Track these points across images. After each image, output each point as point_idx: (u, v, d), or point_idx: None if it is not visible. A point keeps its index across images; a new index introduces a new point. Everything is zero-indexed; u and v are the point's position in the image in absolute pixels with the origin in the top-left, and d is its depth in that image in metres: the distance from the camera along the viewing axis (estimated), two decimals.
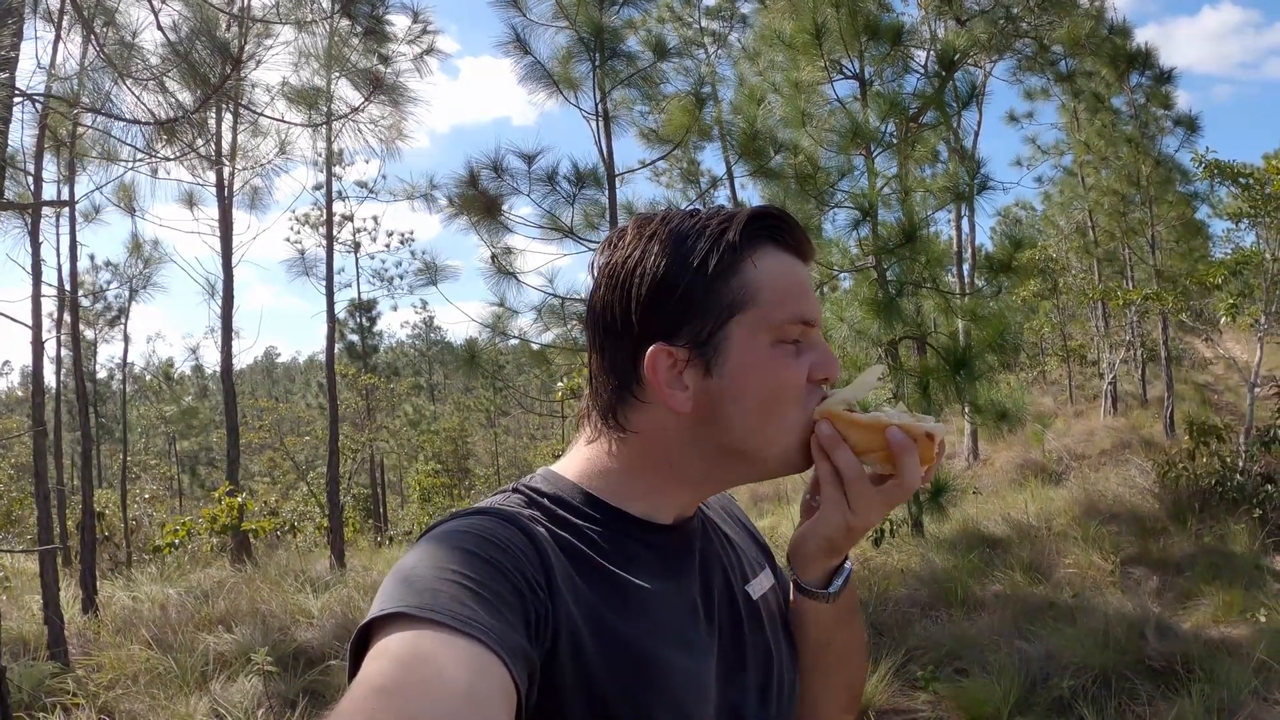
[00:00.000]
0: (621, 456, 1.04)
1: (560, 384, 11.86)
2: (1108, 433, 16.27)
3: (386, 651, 0.74)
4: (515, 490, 1.05)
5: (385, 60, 5.70)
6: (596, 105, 7.69)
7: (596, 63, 7.46)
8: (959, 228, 16.22)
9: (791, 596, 1.18)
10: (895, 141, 10.19)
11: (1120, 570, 7.67)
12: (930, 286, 9.39)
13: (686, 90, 8.11)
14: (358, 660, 0.78)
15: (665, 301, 0.98)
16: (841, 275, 10.37)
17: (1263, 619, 6.26)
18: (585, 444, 1.08)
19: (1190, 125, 16.48)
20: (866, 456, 1.00)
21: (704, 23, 18.68)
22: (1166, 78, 16.51)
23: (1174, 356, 18.14)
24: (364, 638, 0.79)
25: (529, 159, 7.35)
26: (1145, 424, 16.59)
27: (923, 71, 11.03)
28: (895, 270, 9.21)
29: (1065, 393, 23.98)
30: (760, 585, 1.17)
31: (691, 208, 1.05)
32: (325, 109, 7.13)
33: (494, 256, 7.63)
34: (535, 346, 8.41)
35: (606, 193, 7.84)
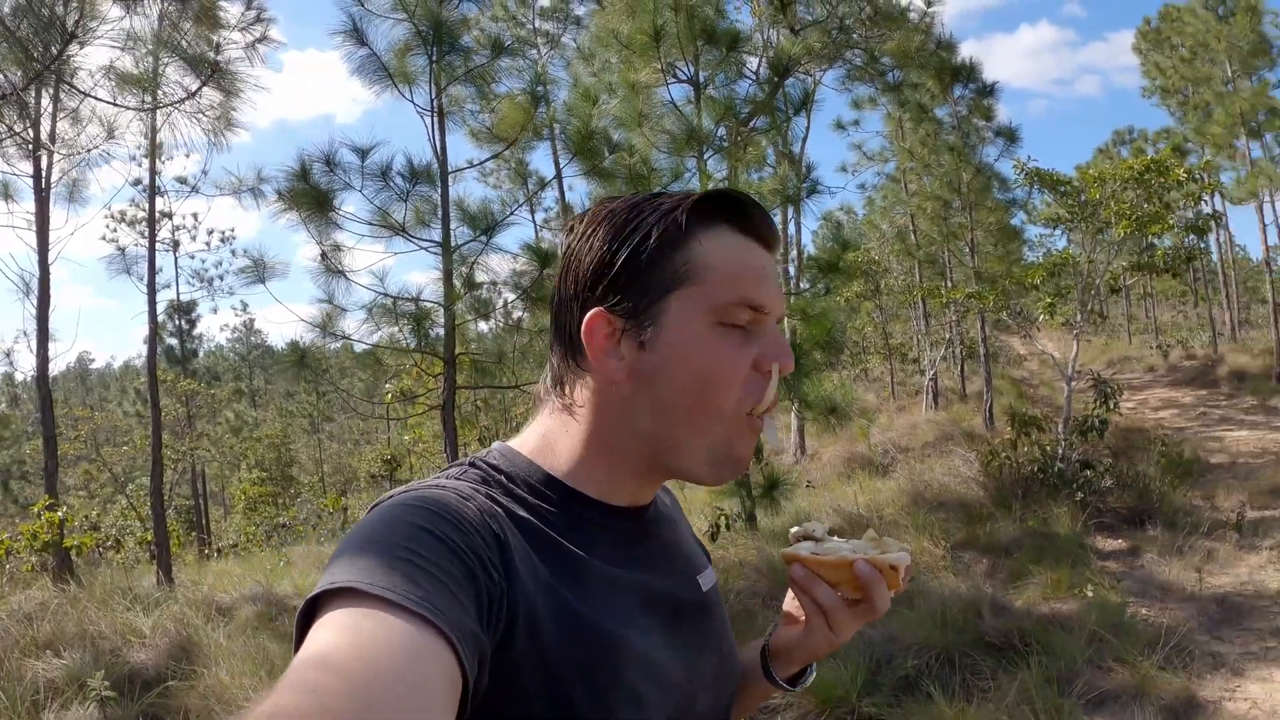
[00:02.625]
0: (573, 433, 1.03)
1: (389, 385, 11.62)
2: (930, 426, 16.94)
3: (333, 626, 0.71)
4: (471, 465, 1.02)
5: (217, 47, 5.43)
6: (432, 101, 7.55)
7: (434, 57, 7.32)
8: (785, 230, 16.66)
9: (747, 676, 1.23)
10: (727, 145, 10.40)
11: (951, 555, 7.99)
12: None
13: (522, 89, 8.05)
14: (303, 632, 0.75)
15: (607, 270, 0.98)
16: None
17: (1090, 594, 6.64)
18: (540, 420, 1.07)
19: (1010, 136, 17.42)
20: (839, 588, 1.07)
21: (538, 23, 18.69)
22: (989, 91, 17.44)
23: (991, 353, 19.07)
24: (311, 609, 0.76)
25: (363, 153, 7.13)
26: (966, 417, 17.34)
27: (754, 78, 11.26)
28: None
29: (887, 389, 24.88)
30: (708, 578, 1.17)
31: (658, 190, 1.05)
32: (153, 95, 6.76)
33: (323, 254, 7.40)
34: (365, 346, 8.18)
35: (440, 190, 7.70)
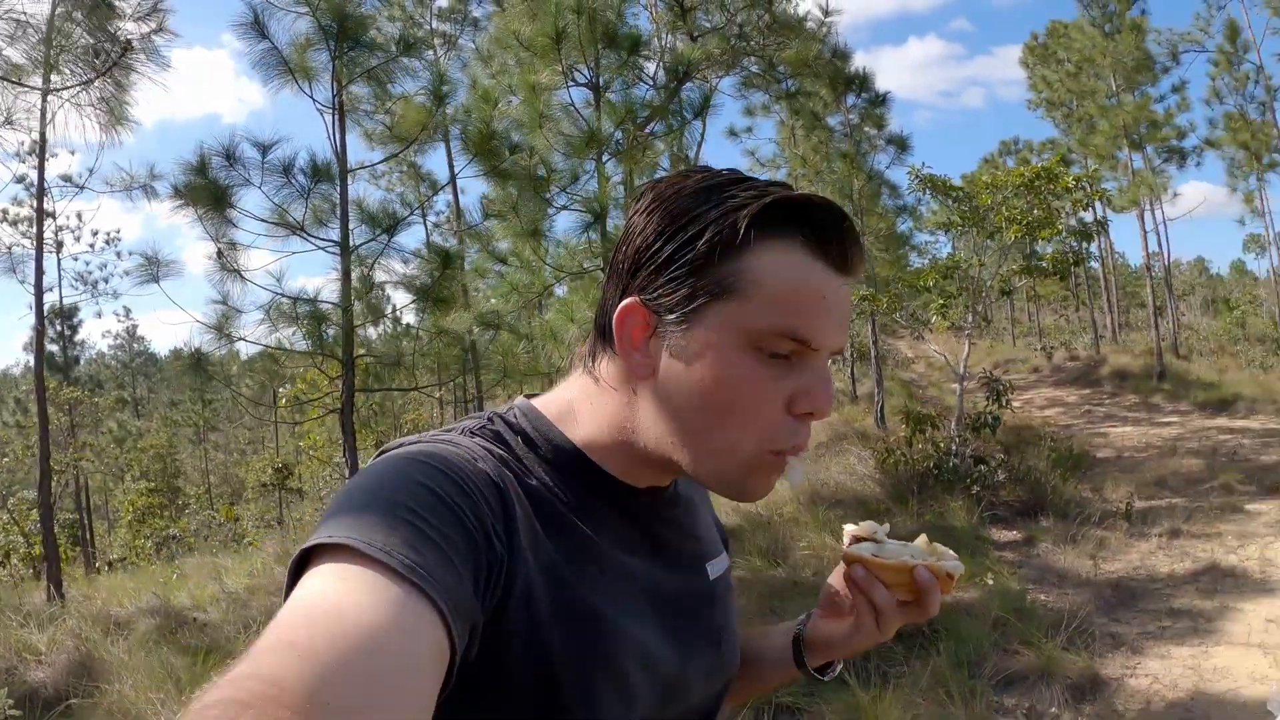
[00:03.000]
0: (596, 406, 0.98)
1: (284, 389, 11.36)
2: (823, 426, 17.15)
3: (324, 583, 0.69)
4: (490, 420, 0.99)
5: (112, 37, 5.26)
6: (334, 97, 7.44)
7: (336, 52, 7.21)
8: None
9: (771, 659, 1.26)
10: (626, 149, 10.47)
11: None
12: None
13: (421, 89, 8.00)
14: (294, 582, 0.73)
15: (653, 260, 0.91)
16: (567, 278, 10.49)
17: (990, 582, 6.91)
18: (570, 382, 1.03)
19: (901, 144, 17.93)
20: (894, 590, 1.08)
21: (435, 24, 18.52)
22: (881, 100, 17.85)
23: (880, 356, 19.53)
24: (304, 560, 0.74)
25: (264, 148, 6.93)
26: (858, 418, 17.67)
27: (651, 83, 11.38)
28: None
29: None
30: (718, 566, 1.14)
31: (742, 174, 0.94)
32: (45, 78, 6.51)
33: (220, 252, 7.22)
34: (260, 349, 8.00)
35: (339, 189, 7.59)
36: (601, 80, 10.12)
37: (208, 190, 6.72)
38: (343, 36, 7.06)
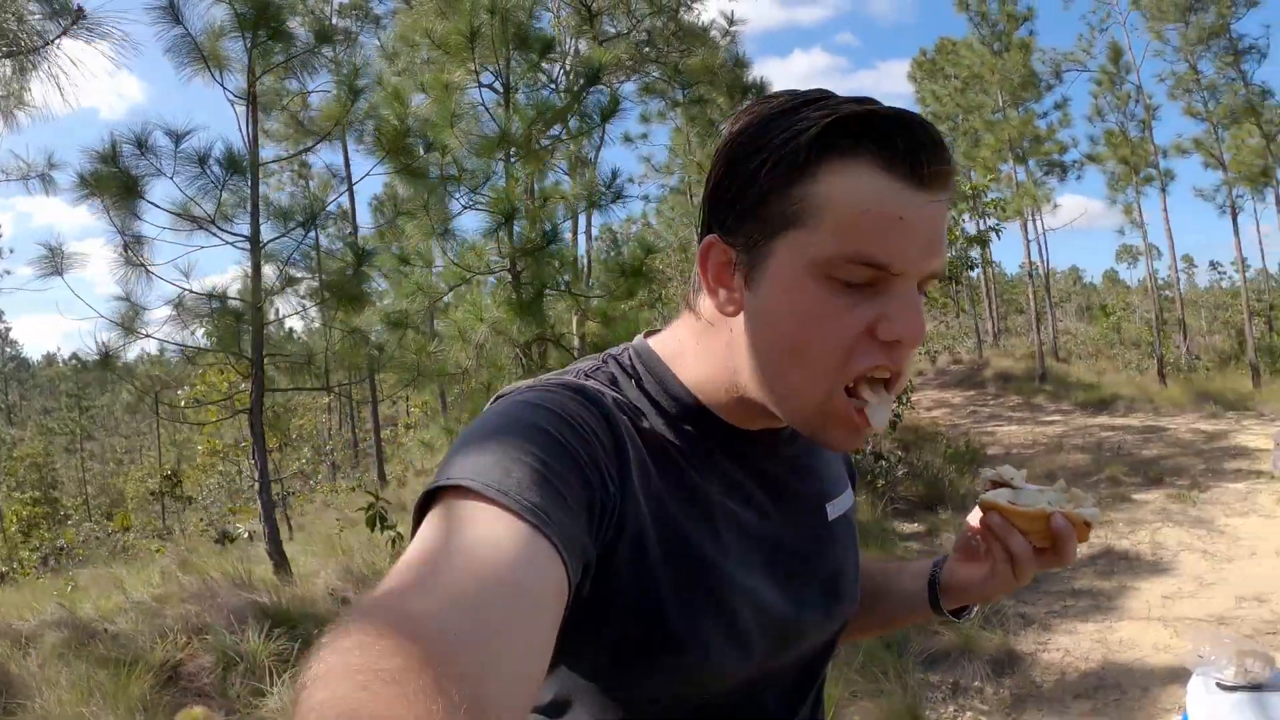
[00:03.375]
0: (702, 346, 0.97)
1: (183, 391, 11.00)
2: None
3: (447, 519, 0.71)
4: (605, 362, 1.00)
5: (19, 18, 5.03)
6: (248, 88, 7.27)
7: (252, 41, 7.03)
8: (576, 236, 16.88)
9: (902, 600, 1.27)
10: (536, 149, 10.48)
11: None
12: (564, 290, 9.68)
13: (330, 81, 7.87)
14: (419, 522, 0.75)
15: (725, 194, 0.89)
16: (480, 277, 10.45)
17: None
18: (680, 323, 1.02)
19: None
20: (1030, 537, 1.07)
21: (336, 20, 18.22)
22: None
23: None
24: (427, 502, 0.76)
25: (178, 137, 6.71)
26: None
27: (554, 86, 11.42)
28: (533, 274, 9.50)
29: None
30: (840, 505, 1.13)
31: (824, 92, 0.87)
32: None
33: (126, 246, 6.98)
34: (173, 347, 7.75)
35: (250, 182, 7.41)
36: (511, 81, 10.12)
37: (118, 179, 6.48)
38: (260, 25, 6.89)
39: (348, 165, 16.40)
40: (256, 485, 7.68)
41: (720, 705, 0.94)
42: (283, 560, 7.51)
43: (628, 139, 22.62)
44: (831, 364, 0.85)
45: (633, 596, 0.85)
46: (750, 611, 0.93)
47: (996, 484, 1.11)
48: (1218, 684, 4.22)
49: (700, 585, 0.89)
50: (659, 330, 1.06)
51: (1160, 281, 26.53)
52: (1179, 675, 5.36)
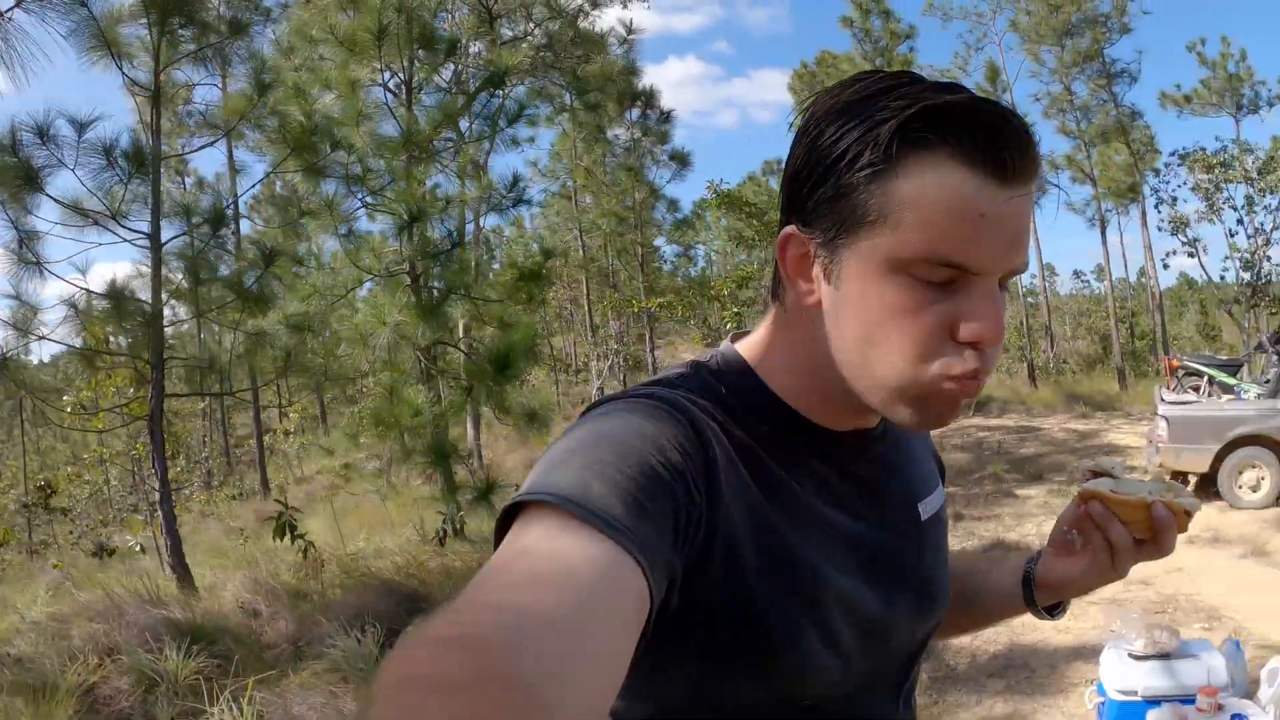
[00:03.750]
0: (786, 344, 0.96)
1: (68, 397, 10.45)
2: None
3: (526, 535, 0.70)
4: (693, 370, 0.97)
5: None
6: (154, 77, 6.96)
7: (162, 29, 6.71)
8: (477, 241, 16.73)
9: (996, 598, 1.26)
10: (442, 151, 10.38)
11: None
12: (464, 294, 9.58)
13: (244, 74, 7.62)
14: (501, 536, 0.74)
15: (802, 185, 0.87)
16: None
17: None
18: (765, 324, 1.00)
19: (682, 160, 18.55)
20: (1130, 527, 1.06)
21: (223, 10, 17.56)
22: (666, 118, 18.37)
23: (650, 365, 20.14)
24: (510, 515, 0.74)
25: (81, 126, 6.35)
26: None
27: (453, 88, 11.32)
28: (435, 277, 9.39)
29: (553, 398, 25.40)
30: (932, 504, 1.11)
31: (907, 75, 0.86)
32: None
33: (21, 241, 6.63)
34: (66, 348, 7.38)
35: (151, 176, 7.09)
36: (416, 81, 9.99)
37: (17, 170, 6.11)
38: (170, 12, 6.58)
39: (231, 163, 15.92)
40: (157, 495, 7.37)
41: (814, 708, 0.93)
42: (186, 573, 7.23)
43: (515, 142, 22.57)
44: (916, 356, 0.84)
45: (729, 605, 0.85)
46: (846, 614, 0.93)
47: (1096, 473, 1.11)
48: (1129, 655, 4.55)
49: (798, 589, 0.89)
50: (747, 332, 1.04)
51: (1024, 289, 27.77)
52: (1081, 652, 5.84)
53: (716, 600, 0.84)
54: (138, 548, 10.07)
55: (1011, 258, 0.83)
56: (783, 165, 0.90)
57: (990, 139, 0.79)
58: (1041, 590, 1.20)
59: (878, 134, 0.80)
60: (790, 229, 0.89)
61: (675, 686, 0.89)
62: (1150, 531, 1.04)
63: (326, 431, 21.95)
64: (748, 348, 0.99)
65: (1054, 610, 1.24)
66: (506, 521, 0.74)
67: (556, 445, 0.81)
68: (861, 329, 0.86)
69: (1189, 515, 1.05)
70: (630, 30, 16.17)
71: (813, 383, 0.94)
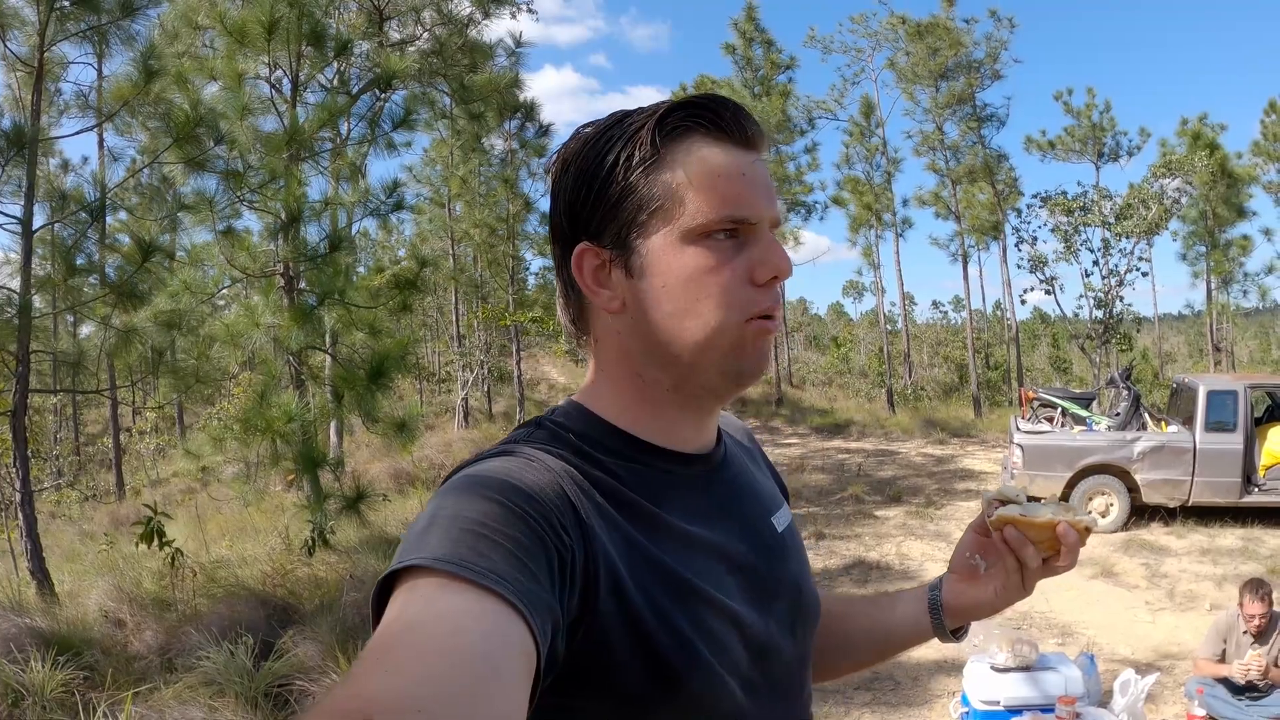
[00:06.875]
0: (607, 373, 1.02)
1: None
2: (464, 443, 17.67)
3: (404, 600, 0.73)
4: (539, 425, 1.02)
5: None
6: (39, 54, 6.61)
7: (48, 4, 6.37)
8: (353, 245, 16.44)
9: (902, 629, 1.30)
10: (323, 152, 10.15)
11: None
12: (338, 299, 9.38)
13: (132, 59, 7.33)
14: (379, 612, 0.75)
15: (585, 202, 0.96)
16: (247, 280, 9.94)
17: None
18: (588, 369, 1.06)
19: None
20: (1038, 546, 1.14)
21: None
22: (545, 131, 18.47)
23: (515, 377, 20.13)
24: (385, 591, 0.76)
25: None
26: (495, 434, 18.02)
27: (339, 89, 11.11)
28: (311, 280, 9.19)
29: (419, 408, 25.05)
30: (783, 518, 1.15)
31: (625, 110, 1.00)
32: None
33: None
34: None
35: (27, 159, 6.74)
36: (302, 78, 9.77)
37: None
38: None
39: (101, 152, 15.18)
40: (18, 496, 6.99)
41: None
42: (46, 580, 6.87)
43: (392, 146, 22.18)
44: (727, 304, 0.94)
45: (625, 638, 0.87)
46: (733, 630, 0.96)
47: (1002, 501, 1.17)
48: (992, 667, 4.84)
49: (683, 607, 0.92)
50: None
51: (885, 315, 28.77)
52: (943, 666, 6.21)
53: (613, 636, 0.86)
54: None
55: (773, 207, 0.97)
56: (587, 186, 0.96)
57: (731, 117, 0.95)
58: (950, 615, 1.27)
59: (640, 137, 0.93)
60: (583, 245, 0.97)
61: None
62: (1056, 549, 1.13)
63: (183, 433, 21.18)
64: (582, 395, 1.05)
65: (958, 633, 1.31)
66: (384, 591, 0.76)
67: (425, 513, 0.83)
68: (671, 304, 0.94)
69: (1089, 531, 1.14)
70: (519, 43, 16.18)
71: (642, 399, 1.01)
